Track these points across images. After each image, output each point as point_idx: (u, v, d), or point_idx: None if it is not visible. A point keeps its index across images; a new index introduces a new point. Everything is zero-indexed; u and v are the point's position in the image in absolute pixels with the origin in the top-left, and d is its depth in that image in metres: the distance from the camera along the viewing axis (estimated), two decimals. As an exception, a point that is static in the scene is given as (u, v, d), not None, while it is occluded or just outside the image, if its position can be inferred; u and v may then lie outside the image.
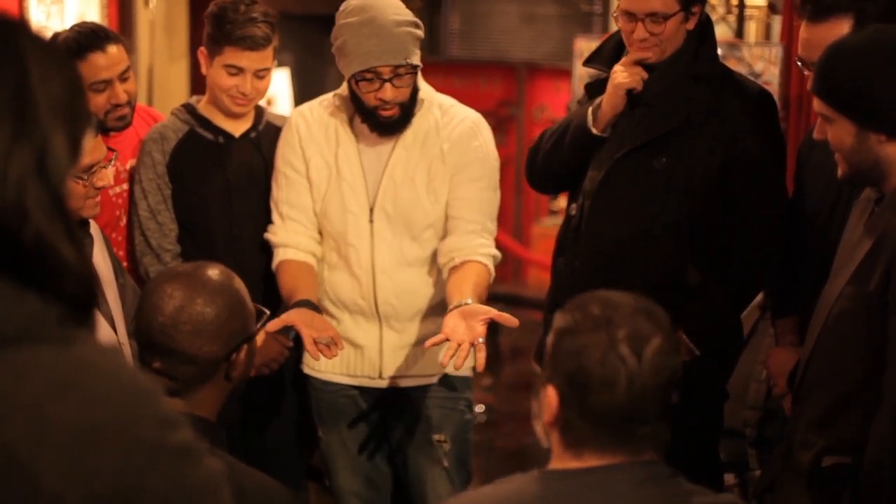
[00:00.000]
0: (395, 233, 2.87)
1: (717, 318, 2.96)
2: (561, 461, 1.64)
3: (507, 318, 2.56)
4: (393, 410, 2.99)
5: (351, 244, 2.89)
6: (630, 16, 2.88)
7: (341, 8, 2.81)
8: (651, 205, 2.91)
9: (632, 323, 1.58)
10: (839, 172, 2.26)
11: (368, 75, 2.75)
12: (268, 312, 2.07)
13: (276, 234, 2.97)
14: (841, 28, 2.66)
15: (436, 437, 2.94)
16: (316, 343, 2.64)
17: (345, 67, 2.79)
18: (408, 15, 2.79)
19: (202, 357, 1.89)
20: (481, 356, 2.52)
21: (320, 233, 2.97)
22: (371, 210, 2.87)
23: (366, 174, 2.89)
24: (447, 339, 2.53)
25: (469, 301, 2.63)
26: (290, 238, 2.94)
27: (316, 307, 2.79)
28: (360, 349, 2.96)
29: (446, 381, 2.96)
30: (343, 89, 2.92)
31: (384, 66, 2.73)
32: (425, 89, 2.91)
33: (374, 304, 2.90)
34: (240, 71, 3.03)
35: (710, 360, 2.95)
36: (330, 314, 2.96)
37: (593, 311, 1.60)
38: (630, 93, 2.93)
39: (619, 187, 2.95)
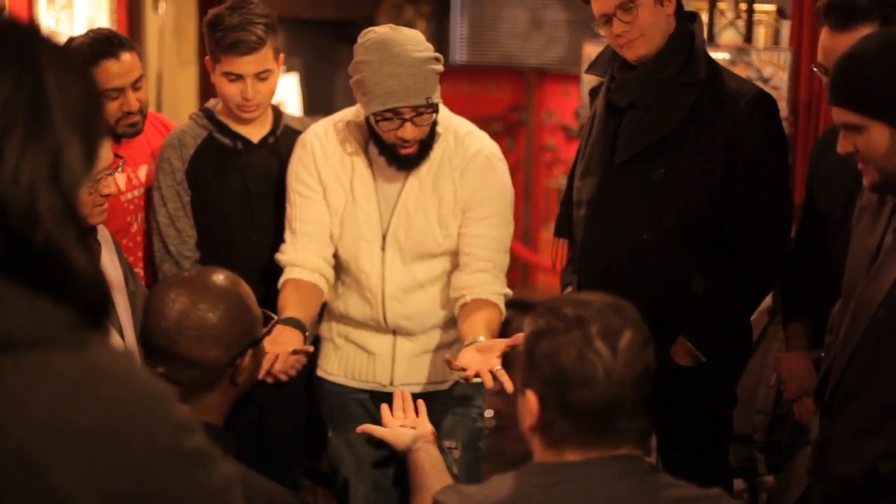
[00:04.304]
0: (405, 260, 2.88)
1: (724, 323, 2.94)
2: (543, 460, 1.65)
3: (517, 340, 2.54)
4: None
5: (362, 270, 2.90)
6: (605, 18, 2.88)
7: (360, 41, 2.75)
8: (650, 215, 2.89)
9: (602, 318, 1.60)
10: (866, 181, 2.20)
11: (388, 114, 2.72)
12: (275, 317, 2.06)
13: (285, 252, 2.93)
14: None
15: (446, 443, 2.93)
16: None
17: (364, 105, 2.76)
18: (429, 50, 2.73)
19: (206, 362, 1.88)
20: (506, 380, 2.46)
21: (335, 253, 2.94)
22: (384, 238, 2.88)
23: (380, 202, 2.88)
24: (463, 369, 2.53)
25: (481, 338, 2.63)
26: (299, 256, 2.90)
27: (301, 325, 2.74)
28: (372, 356, 2.98)
29: (458, 388, 2.97)
30: (357, 115, 2.90)
31: (405, 107, 2.70)
32: (443, 114, 2.87)
33: (385, 323, 2.93)
34: (238, 77, 3.03)
35: (719, 364, 2.94)
36: (344, 324, 2.98)
37: (564, 312, 1.62)
38: (621, 101, 2.93)
39: (616, 198, 2.93)
